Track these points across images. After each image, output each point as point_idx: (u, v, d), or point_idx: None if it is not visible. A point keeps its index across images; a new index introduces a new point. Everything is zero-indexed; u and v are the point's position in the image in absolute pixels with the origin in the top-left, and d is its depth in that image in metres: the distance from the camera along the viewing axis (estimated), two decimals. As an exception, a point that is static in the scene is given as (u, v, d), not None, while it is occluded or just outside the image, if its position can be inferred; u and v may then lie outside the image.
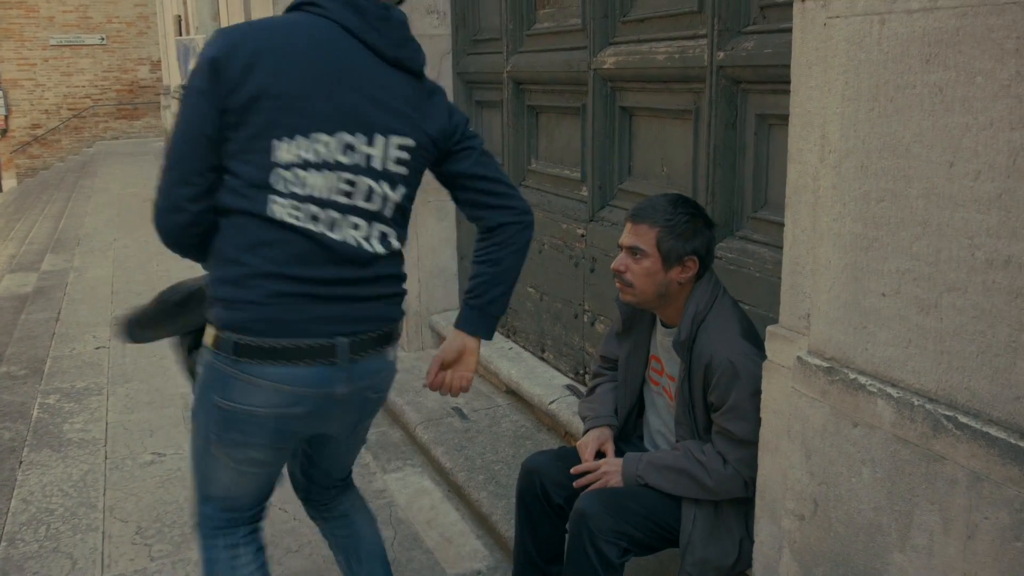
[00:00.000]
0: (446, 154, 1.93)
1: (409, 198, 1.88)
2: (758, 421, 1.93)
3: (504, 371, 3.82)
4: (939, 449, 1.46)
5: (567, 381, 3.56)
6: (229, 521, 2.02)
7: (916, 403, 1.49)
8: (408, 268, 4.38)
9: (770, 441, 1.90)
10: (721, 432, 2.04)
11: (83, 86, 22.00)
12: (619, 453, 2.34)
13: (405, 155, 1.82)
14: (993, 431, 1.37)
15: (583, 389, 3.44)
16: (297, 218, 1.73)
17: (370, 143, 1.78)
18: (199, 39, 11.64)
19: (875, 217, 1.55)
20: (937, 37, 1.40)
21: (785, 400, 1.81)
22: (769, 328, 1.88)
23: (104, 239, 9.48)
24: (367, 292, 1.84)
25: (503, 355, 3.97)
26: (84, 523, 3.36)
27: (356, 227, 1.79)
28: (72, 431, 4.27)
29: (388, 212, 1.84)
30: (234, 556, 2.01)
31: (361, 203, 1.79)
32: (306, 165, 1.73)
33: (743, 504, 2.10)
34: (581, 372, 3.50)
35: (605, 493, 2.15)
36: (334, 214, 1.76)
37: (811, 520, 1.76)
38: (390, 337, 1.91)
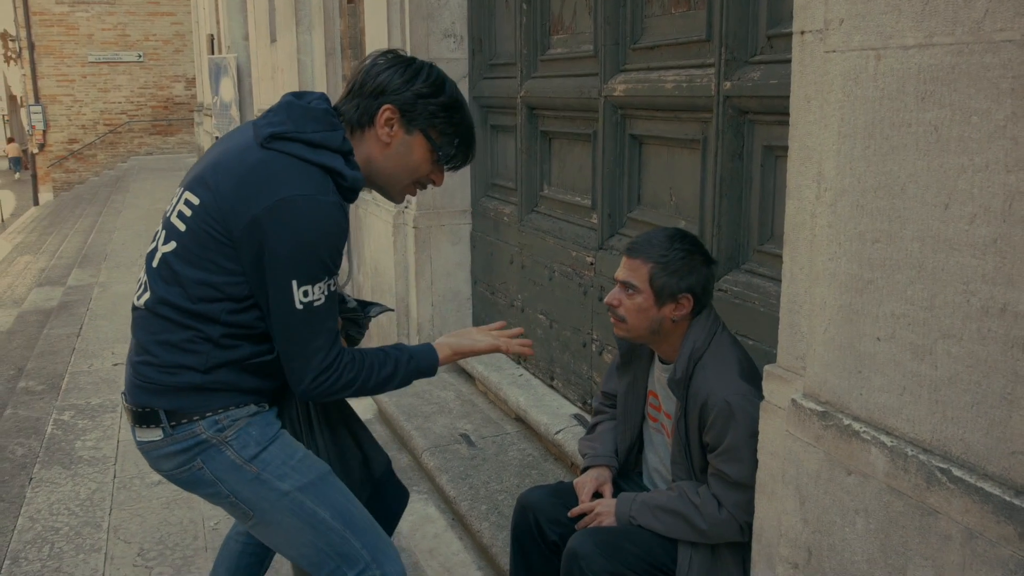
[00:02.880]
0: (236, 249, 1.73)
1: (180, 258, 1.75)
2: (754, 463, 1.87)
3: (513, 398, 3.77)
4: (933, 503, 1.39)
5: (575, 410, 3.51)
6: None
7: (910, 453, 1.43)
8: (421, 292, 4.41)
9: (767, 484, 1.84)
10: (716, 474, 1.99)
11: (119, 102, 22.42)
12: (618, 490, 2.29)
13: (187, 210, 1.76)
14: (988, 486, 1.30)
15: (590, 419, 3.39)
16: None
17: (178, 194, 1.83)
18: (231, 58, 11.79)
19: (870, 258, 1.50)
20: (932, 74, 1.35)
21: (781, 443, 1.75)
22: (766, 367, 1.83)
23: (130, 254, 9.58)
24: (132, 354, 1.87)
25: (513, 382, 3.92)
26: (88, 543, 3.35)
27: (144, 271, 1.86)
28: (84, 448, 4.29)
29: (155, 263, 1.81)
30: None
31: (152, 249, 1.85)
32: None
33: (741, 547, 2.03)
34: (589, 401, 3.45)
35: (599, 532, 2.10)
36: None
37: (805, 569, 1.69)
38: (133, 416, 1.84)
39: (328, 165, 1.72)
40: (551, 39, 3.58)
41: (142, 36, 22.15)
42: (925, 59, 1.36)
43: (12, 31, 24.77)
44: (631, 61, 2.99)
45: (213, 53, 14.19)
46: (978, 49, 1.27)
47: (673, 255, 2.02)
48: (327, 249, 1.71)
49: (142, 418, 1.83)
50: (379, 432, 4.29)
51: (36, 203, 21.62)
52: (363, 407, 4.63)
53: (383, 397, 4.31)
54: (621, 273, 2.08)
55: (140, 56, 22.15)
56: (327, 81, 5.49)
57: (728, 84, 2.43)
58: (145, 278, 1.83)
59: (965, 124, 1.30)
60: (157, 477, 3.85)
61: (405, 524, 3.36)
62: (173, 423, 1.81)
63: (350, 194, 1.78)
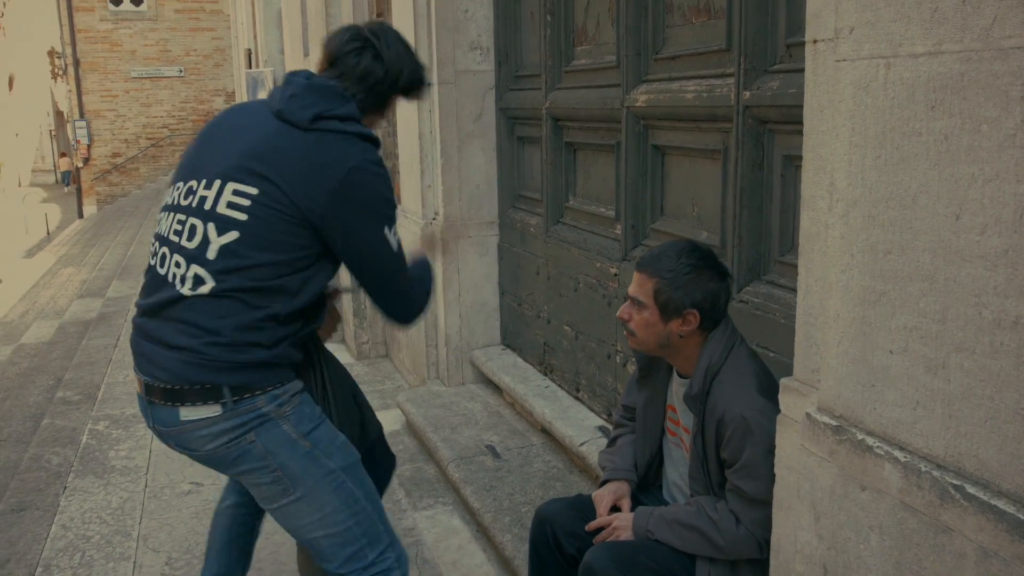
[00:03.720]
0: (319, 226, 1.90)
1: (252, 242, 1.87)
2: (772, 480, 1.84)
3: (538, 410, 3.76)
4: (947, 520, 1.36)
5: (600, 422, 3.49)
6: None
7: (923, 469, 1.40)
8: (449, 303, 4.42)
9: (784, 499, 1.81)
10: (734, 490, 1.96)
11: (161, 116, 22.81)
12: (637, 504, 2.27)
13: (243, 201, 1.87)
14: (1002, 504, 1.27)
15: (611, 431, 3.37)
16: (151, 253, 2.01)
17: (207, 187, 1.91)
18: (267, 71, 11.93)
19: (882, 270, 1.47)
20: (942, 83, 1.32)
21: (796, 457, 1.73)
22: (783, 380, 1.80)
23: (169, 266, 9.71)
24: (169, 337, 1.89)
25: (539, 393, 3.91)
26: (118, 551, 3.40)
27: (177, 265, 1.91)
28: (117, 458, 4.35)
29: (210, 255, 1.88)
30: None
31: (184, 242, 1.91)
32: (164, 208, 2.01)
33: (761, 563, 2.00)
34: (613, 413, 3.43)
35: (615, 547, 2.08)
36: (165, 250, 1.94)
37: (820, 586, 1.66)
38: (180, 396, 1.88)
39: (361, 133, 1.96)
40: (575, 50, 3.58)
41: (183, 51, 22.53)
42: (934, 67, 1.33)
43: (58, 48, 25.35)
44: (653, 71, 2.98)
45: (251, 67, 14.37)
46: (987, 56, 1.24)
47: (679, 270, 2.00)
48: (392, 196, 1.98)
49: (201, 395, 1.88)
50: (406, 443, 4.30)
51: (80, 216, 22.05)
52: (391, 418, 4.64)
53: (411, 408, 4.32)
54: (631, 287, 2.07)
55: (181, 71, 22.53)
56: (357, 94, 5.55)
57: (747, 94, 2.40)
58: (193, 269, 1.89)
59: (975, 133, 1.28)
60: (187, 487, 3.92)
61: (430, 535, 3.36)
62: (236, 398, 1.89)
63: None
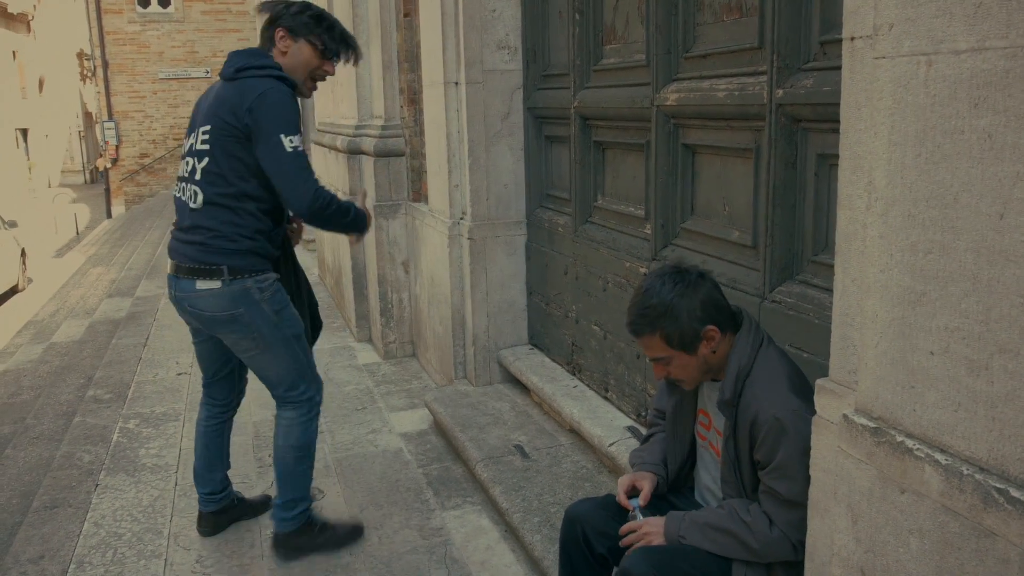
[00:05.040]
0: (248, 135, 2.75)
1: (216, 163, 2.78)
2: (807, 481, 1.83)
3: (567, 410, 3.75)
4: (990, 524, 1.34)
5: (628, 422, 3.47)
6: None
7: (965, 472, 1.38)
8: (477, 303, 4.43)
9: (819, 501, 1.79)
10: (767, 492, 1.94)
11: (188, 117, 22.87)
12: (670, 505, 2.26)
13: (206, 136, 2.80)
14: (1047, 508, 1.25)
15: (644, 431, 3.35)
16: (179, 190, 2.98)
17: (192, 136, 2.88)
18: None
19: (923, 270, 1.45)
20: (986, 79, 1.30)
21: (833, 459, 1.71)
22: (818, 381, 1.78)
23: (197, 266, 9.76)
24: (187, 236, 2.88)
25: (567, 393, 3.90)
26: (149, 549, 3.42)
27: (187, 189, 2.87)
28: (147, 456, 4.39)
29: (198, 176, 2.83)
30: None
31: (186, 174, 2.88)
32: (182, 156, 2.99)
33: (797, 566, 1.98)
34: (643, 413, 3.41)
35: (653, 552, 2.06)
36: (182, 183, 2.92)
37: (858, 590, 1.64)
38: (195, 272, 2.85)
39: (274, 74, 2.82)
40: (604, 49, 3.56)
41: (210, 52, 22.69)
42: (978, 64, 1.31)
43: (87, 50, 25.61)
44: (683, 70, 2.96)
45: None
46: (1033, 53, 1.22)
47: (666, 305, 2.00)
48: (293, 112, 2.76)
49: (208, 273, 2.82)
50: (433, 442, 4.30)
51: (109, 216, 22.27)
52: (418, 418, 4.65)
53: (439, 408, 4.33)
54: (647, 352, 2.10)
55: (208, 72, 22.68)
56: (384, 93, 5.54)
57: (780, 92, 2.38)
58: (192, 188, 2.83)
59: (1020, 131, 1.25)
60: (217, 485, 3.94)
61: (458, 535, 3.36)
62: (231, 277, 2.83)
63: (295, 89, 2.89)
